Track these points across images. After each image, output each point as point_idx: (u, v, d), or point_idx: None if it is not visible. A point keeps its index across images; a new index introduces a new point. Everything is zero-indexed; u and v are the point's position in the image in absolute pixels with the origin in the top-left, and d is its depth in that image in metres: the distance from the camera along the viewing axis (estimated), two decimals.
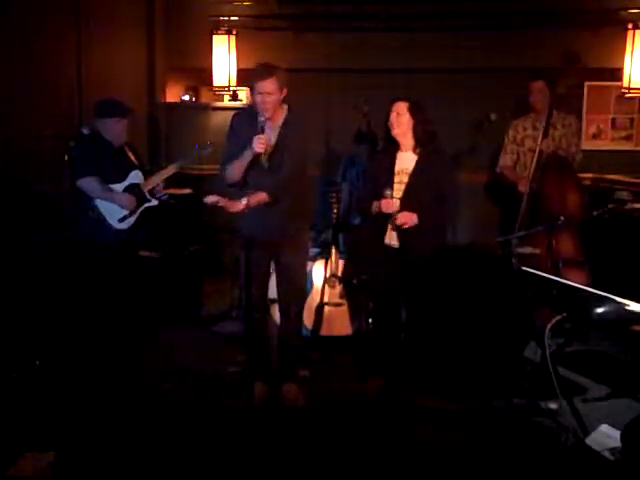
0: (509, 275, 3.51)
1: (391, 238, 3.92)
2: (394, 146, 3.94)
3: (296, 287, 3.91)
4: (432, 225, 3.84)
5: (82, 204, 4.23)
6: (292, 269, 3.83)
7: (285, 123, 3.69)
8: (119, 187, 4.28)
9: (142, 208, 4.34)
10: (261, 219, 3.63)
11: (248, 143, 3.56)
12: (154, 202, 4.39)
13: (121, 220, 4.25)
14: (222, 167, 3.73)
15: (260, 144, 3.52)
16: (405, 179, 3.87)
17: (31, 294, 4.10)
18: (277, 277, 3.90)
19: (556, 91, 4.75)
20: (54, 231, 4.37)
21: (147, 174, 4.48)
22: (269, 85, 3.52)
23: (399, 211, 3.79)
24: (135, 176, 4.36)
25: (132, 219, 4.30)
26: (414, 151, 3.90)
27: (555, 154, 4.75)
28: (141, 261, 5.10)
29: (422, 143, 3.88)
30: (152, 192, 4.40)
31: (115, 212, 4.24)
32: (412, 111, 3.85)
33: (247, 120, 3.69)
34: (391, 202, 3.81)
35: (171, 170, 4.50)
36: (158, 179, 4.44)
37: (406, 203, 3.82)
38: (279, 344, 3.96)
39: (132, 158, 4.43)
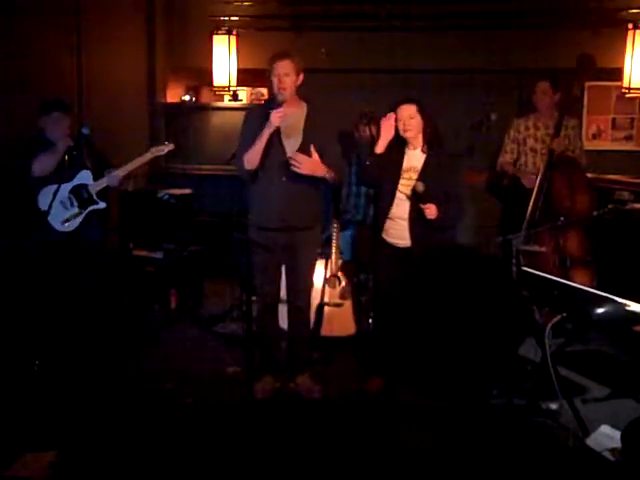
0: (507, 275, 3.51)
1: (389, 235, 3.92)
2: (401, 143, 3.94)
3: (307, 283, 3.98)
4: (439, 224, 3.83)
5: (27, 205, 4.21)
6: (304, 266, 3.91)
7: (310, 118, 3.76)
8: (66, 187, 4.24)
9: (88, 210, 4.30)
10: (282, 205, 3.71)
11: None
12: (101, 205, 4.32)
13: (65, 222, 4.22)
14: (237, 158, 3.79)
15: (278, 116, 3.58)
16: (414, 176, 3.85)
17: (27, 294, 4.09)
18: (288, 273, 3.94)
19: (571, 93, 4.78)
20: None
21: (103, 172, 4.39)
22: (285, 66, 3.65)
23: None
24: (84, 177, 4.30)
25: (77, 221, 4.25)
26: (423, 150, 3.90)
27: (565, 154, 4.77)
28: (141, 261, 5.12)
29: (432, 143, 3.89)
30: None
31: (59, 214, 4.21)
32: (422, 113, 3.86)
33: (260, 113, 3.77)
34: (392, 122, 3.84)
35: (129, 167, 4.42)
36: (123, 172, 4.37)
37: (415, 200, 3.83)
38: (291, 339, 4.01)
39: (86, 159, 4.32)
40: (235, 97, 6.39)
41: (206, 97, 6.65)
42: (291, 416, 3.69)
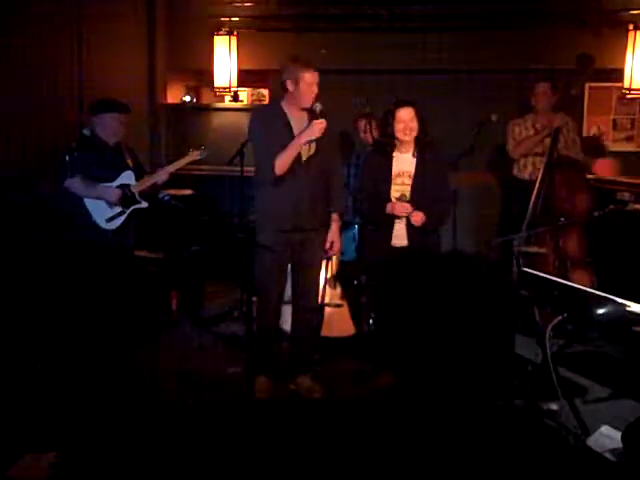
0: (507, 276, 3.51)
1: (397, 238, 3.93)
2: (390, 147, 3.95)
3: (316, 283, 4.01)
4: (433, 225, 3.87)
5: (71, 204, 4.24)
6: (312, 266, 3.94)
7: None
8: (110, 186, 4.27)
9: (131, 209, 4.33)
10: (298, 207, 3.75)
11: (279, 136, 3.68)
12: (144, 204, 4.36)
13: (109, 220, 4.24)
14: (267, 162, 3.72)
15: (321, 128, 3.63)
16: (407, 181, 3.88)
17: (31, 295, 4.09)
18: (296, 274, 3.96)
19: (569, 93, 4.77)
20: (52, 232, 4.35)
21: (144, 176, 4.47)
22: (317, 76, 3.72)
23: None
24: (127, 177, 4.35)
25: (121, 219, 4.28)
26: (413, 154, 3.91)
27: (564, 155, 4.77)
28: (141, 262, 5.11)
29: (423, 147, 3.90)
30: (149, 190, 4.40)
31: (103, 212, 4.23)
32: (418, 116, 3.87)
33: (272, 115, 3.80)
34: (405, 205, 3.86)
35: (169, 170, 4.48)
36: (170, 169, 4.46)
37: (411, 204, 3.87)
38: (296, 340, 4.03)
39: (128, 160, 4.41)
40: (236, 98, 6.40)
41: (207, 98, 6.65)
42: (292, 417, 3.68)
